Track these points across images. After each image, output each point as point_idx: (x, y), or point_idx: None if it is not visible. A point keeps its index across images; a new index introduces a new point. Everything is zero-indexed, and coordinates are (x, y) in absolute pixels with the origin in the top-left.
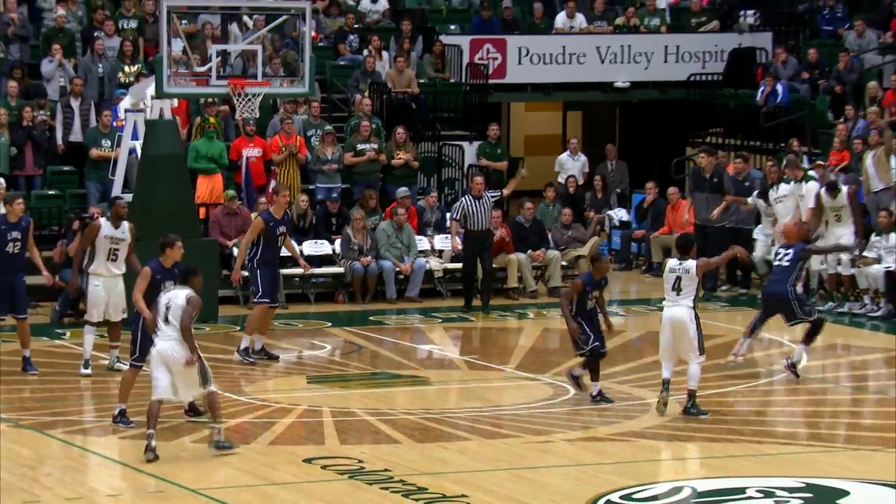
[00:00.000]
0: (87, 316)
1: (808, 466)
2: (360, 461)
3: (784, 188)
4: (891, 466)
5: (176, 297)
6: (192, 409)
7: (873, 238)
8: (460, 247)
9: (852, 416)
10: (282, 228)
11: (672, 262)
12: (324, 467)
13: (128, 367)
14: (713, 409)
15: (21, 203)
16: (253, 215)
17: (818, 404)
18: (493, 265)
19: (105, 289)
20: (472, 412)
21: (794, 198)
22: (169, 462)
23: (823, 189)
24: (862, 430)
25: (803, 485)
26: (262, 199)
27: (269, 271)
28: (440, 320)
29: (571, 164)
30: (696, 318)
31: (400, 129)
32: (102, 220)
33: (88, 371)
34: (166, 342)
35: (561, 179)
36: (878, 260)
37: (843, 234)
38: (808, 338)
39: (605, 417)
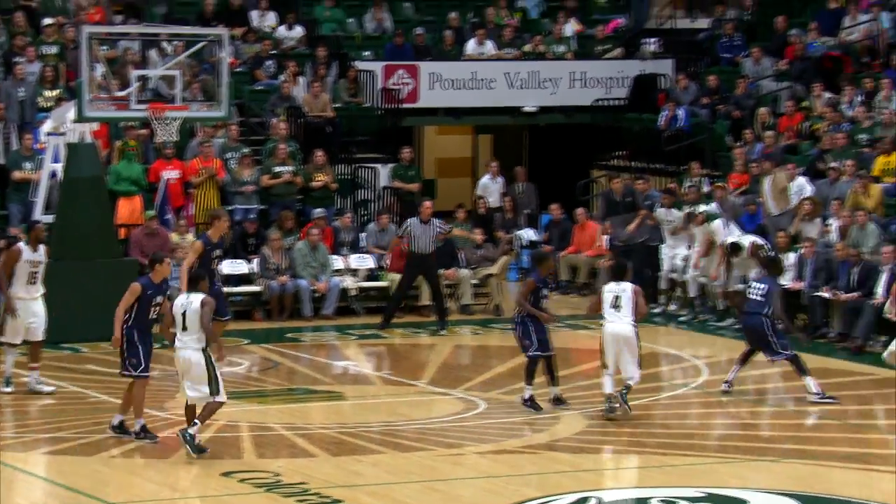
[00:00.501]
0: (5, 338)
1: (709, 477)
2: (276, 474)
3: (703, 209)
4: (787, 476)
5: (190, 302)
6: (121, 428)
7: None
8: (388, 263)
9: (751, 428)
10: (217, 252)
11: (610, 285)
12: (242, 481)
13: (136, 379)
14: (619, 422)
15: None
16: (189, 237)
17: (719, 417)
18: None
19: (24, 311)
20: (386, 426)
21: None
22: (90, 477)
23: (728, 247)
24: (760, 441)
25: (704, 494)
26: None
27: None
28: (355, 337)
29: (493, 186)
30: (637, 334)
31: (319, 153)
32: (22, 245)
33: (9, 389)
34: (186, 351)
35: (490, 202)
36: None
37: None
38: (800, 371)
39: (515, 431)
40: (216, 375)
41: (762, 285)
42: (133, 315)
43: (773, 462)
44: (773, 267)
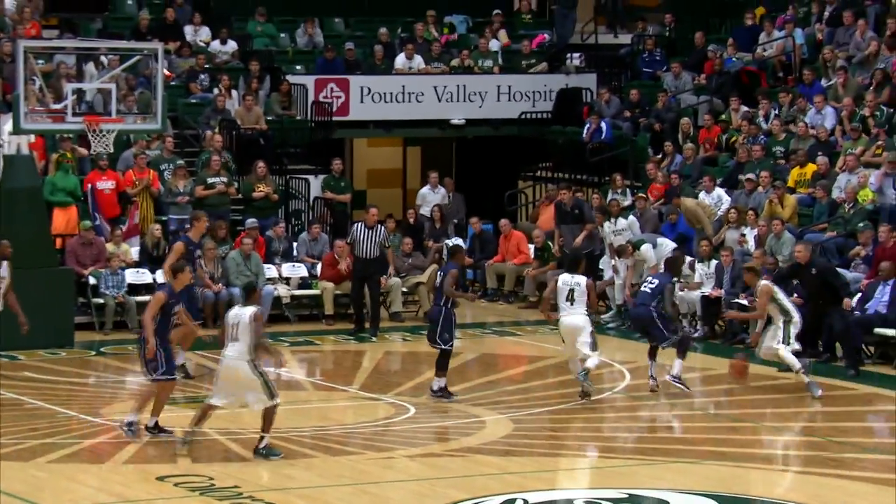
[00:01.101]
0: None
1: (630, 478)
2: (210, 478)
3: (622, 222)
4: (707, 478)
5: (242, 315)
6: (158, 428)
7: (696, 265)
8: (344, 267)
9: (671, 430)
10: (199, 252)
11: (564, 277)
12: (176, 485)
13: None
14: (547, 426)
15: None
16: (124, 247)
17: (640, 420)
18: (338, 291)
19: None
20: (318, 431)
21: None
22: (26, 482)
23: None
24: (680, 443)
25: (626, 496)
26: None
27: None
28: (287, 344)
29: (432, 197)
30: (591, 322)
31: (261, 164)
32: None
33: None
34: (232, 361)
35: (423, 211)
36: (701, 285)
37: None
38: (681, 352)
39: (443, 434)
40: (267, 380)
41: (655, 280)
42: (156, 322)
43: (693, 464)
44: (671, 266)
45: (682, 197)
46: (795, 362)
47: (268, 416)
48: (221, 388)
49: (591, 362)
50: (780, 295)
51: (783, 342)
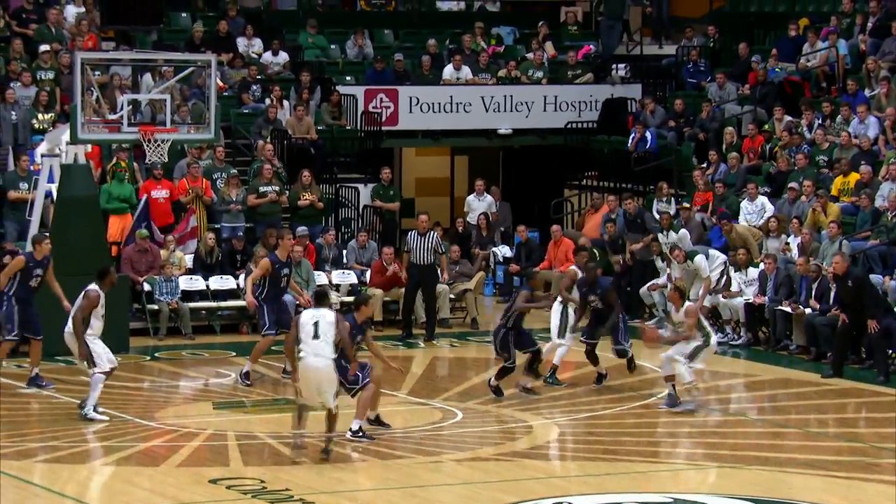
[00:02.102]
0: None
1: (675, 483)
2: (262, 481)
3: (673, 235)
4: (750, 482)
5: (324, 315)
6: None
7: (733, 273)
8: (402, 275)
9: (716, 436)
10: (286, 270)
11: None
12: (228, 487)
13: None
14: (592, 430)
15: (48, 243)
16: (177, 254)
17: (685, 426)
18: (387, 298)
19: None
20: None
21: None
22: (82, 485)
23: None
24: (724, 448)
25: (671, 500)
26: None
27: (275, 306)
28: None
29: (478, 204)
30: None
31: (306, 173)
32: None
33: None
34: (316, 358)
35: (470, 219)
36: (740, 293)
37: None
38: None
39: (491, 439)
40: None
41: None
42: (265, 286)
43: (736, 468)
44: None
45: (734, 223)
46: (686, 376)
47: (332, 417)
48: (307, 390)
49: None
50: (702, 318)
51: (688, 359)
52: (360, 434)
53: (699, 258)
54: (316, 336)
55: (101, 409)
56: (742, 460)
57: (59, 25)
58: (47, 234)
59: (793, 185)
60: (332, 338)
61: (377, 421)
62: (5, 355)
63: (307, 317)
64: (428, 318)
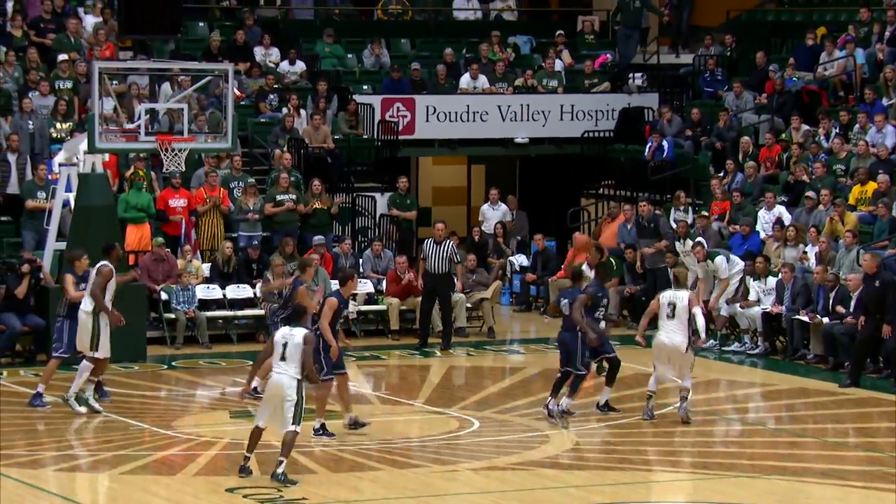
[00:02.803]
0: (98, 353)
1: (693, 492)
2: (279, 490)
3: (690, 243)
4: (768, 492)
5: (293, 336)
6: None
7: (751, 282)
8: (416, 281)
9: (734, 445)
10: (346, 311)
11: (667, 294)
12: (245, 496)
13: None
14: (609, 440)
15: (87, 258)
16: (195, 263)
17: (702, 435)
18: (403, 307)
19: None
20: (384, 444)
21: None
22: (100, 493)
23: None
24: (742, 458)
25: None
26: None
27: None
28: (354, 358)
29: (492, 213)
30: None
31: (316, 182)
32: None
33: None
34: (280, 376)
35: (486, 228)
36: (758, 302)
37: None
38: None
39: (507, 448)
40: (301, 406)
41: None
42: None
43: (754, 478)
44: (602, 274)
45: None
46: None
47: (289, 440)
48: (265, 406)
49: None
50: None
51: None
52: (322, 433)
53: (720, 259)
54: (283, 358)
55: (89, 400)
56: (759, 470)
57: (77, 35)
58: (82, 249)
59: (810, 194)
60: (298, 359)
61: (355, 423)
62: (54, 372)
63: (279, 336)
64: (444, 327)
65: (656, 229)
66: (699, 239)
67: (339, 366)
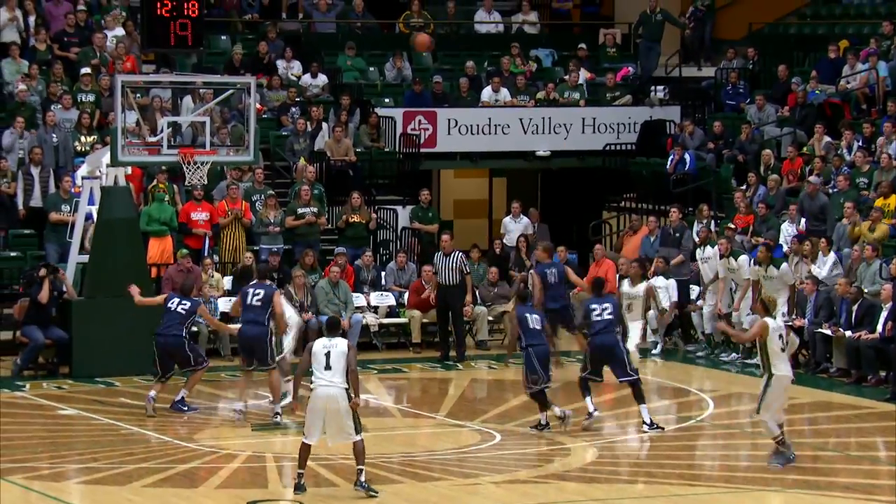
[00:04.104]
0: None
1: None
2: (300, 503)
3: (709, 250)
4: None
5: (335, 345)
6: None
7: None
8: (430, 296)
9: (755, 458)
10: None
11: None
12: None
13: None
14: (631, 453)
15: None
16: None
17: (724, 448)
18: (425, 320)
19: None
20: (405, 457)
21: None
22: None
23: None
24: (763, 471)
25: None
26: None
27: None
28: (375, 371)
29: (514, 226)
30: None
31: (355, 195)
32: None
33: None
34: (328, 389)
35: (507, 241)
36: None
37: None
38: (638, 398)
39: (528, 461)
40: (356, 414)
41: (610, 305)
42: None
43: (777, 492)
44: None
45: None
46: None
47: (359, 450)
48: (314, 420)
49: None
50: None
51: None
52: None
53: (743, 258)
54: (328, 367)
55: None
56: (782, 483)
57: (102, 49)
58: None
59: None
60: (343, 368)
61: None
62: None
63: (319, 346)
64: (457, 339)
65: (679, 240)
66: (714, 259)
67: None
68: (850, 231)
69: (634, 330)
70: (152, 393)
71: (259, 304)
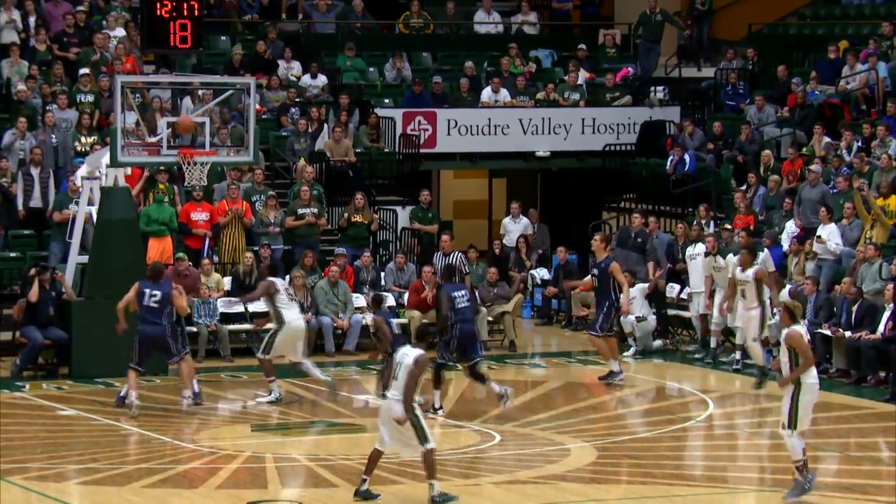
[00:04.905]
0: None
1: None
2: None
3: (700, 247)
4: None
5: (406, 355)
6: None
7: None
8: (428, 297)
9: (755, 459)
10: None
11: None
12: None
13: None
14: (631, 454)
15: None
16: (215, 276)
17: (724, 448)
18: (425, 320)
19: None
20: (405, 457)
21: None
22: None
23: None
24: (763, 472)
25: None
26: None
27: None
28: (376, 372)
29: (514, 227)
30: None
31: (359, 196)
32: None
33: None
34: (389, 400)
35: (507, 241)
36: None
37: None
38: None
39: (529, 462)
40: (422, 424)
41: (465, 293)
42: None
43: (776, 492)
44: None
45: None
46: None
47: (429, 460)
48: (382, 430)
49: None
50: None
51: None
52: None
53: (731, 256)
54: (396, 377)
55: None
56: (781, 483)
57: (103, 49)
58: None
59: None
60: (404, 380)
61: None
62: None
63: (398, 355)
64: None
65: (643, 244)
66: (725, 233)
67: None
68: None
69: (752, 320)
70: (124, 392)
71: (157, 305)
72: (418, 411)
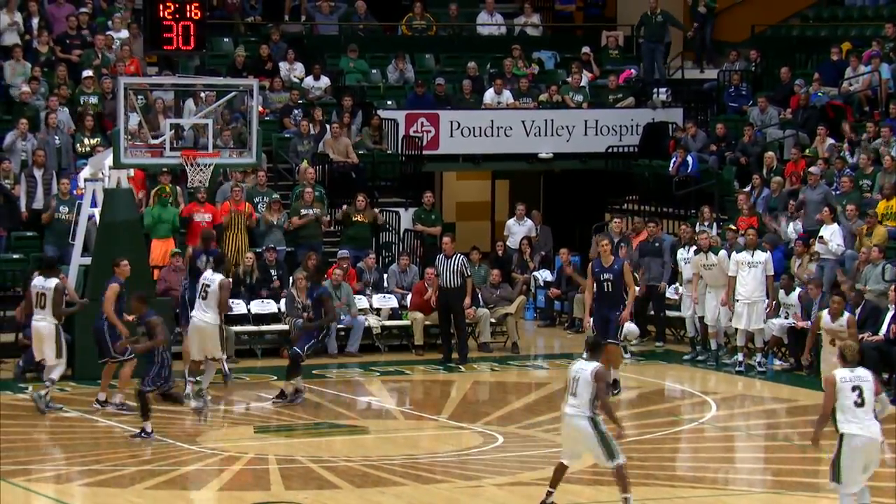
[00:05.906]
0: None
1: None
2: None
3: (692, 250)
4: None
5: (584, 370)
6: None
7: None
8: (431, 298)
9: (759, 461)
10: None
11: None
12: None
13: None
14: (634, 455)
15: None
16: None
17: (727, 451)
18: (427, 322)
19: None
20: (408, 459)
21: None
22: None
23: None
24: (766, 474)
25: None
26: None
27: None
28: (378, 373)
29: (518, 228)
30: None
31: (360, 197)
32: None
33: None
34: (570, 418)
35: (511, 243)
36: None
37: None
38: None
39: (531, 463)
40: (608, 439)
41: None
42: None
43: (780, 494)
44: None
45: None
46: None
47: (621, 475)
48: (564, 445)
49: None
50: None
51: None
52: (123, 406)
53: (723, 253)
54: (574, 393)
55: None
56: (784, 486)
57: (108, 50)
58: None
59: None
60: (589, 397)
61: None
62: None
63: (573, 369)
64: (458, 341)
65: (659, 248)
66: (730, 235)
67: (122, 351)
68: (857, 240)
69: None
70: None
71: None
72: (604, 427)
